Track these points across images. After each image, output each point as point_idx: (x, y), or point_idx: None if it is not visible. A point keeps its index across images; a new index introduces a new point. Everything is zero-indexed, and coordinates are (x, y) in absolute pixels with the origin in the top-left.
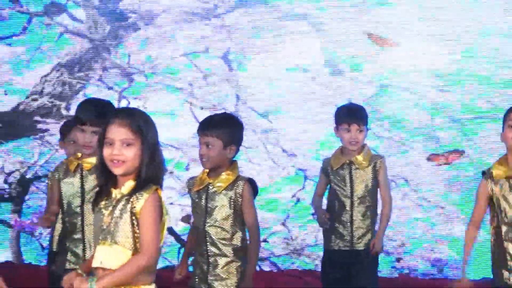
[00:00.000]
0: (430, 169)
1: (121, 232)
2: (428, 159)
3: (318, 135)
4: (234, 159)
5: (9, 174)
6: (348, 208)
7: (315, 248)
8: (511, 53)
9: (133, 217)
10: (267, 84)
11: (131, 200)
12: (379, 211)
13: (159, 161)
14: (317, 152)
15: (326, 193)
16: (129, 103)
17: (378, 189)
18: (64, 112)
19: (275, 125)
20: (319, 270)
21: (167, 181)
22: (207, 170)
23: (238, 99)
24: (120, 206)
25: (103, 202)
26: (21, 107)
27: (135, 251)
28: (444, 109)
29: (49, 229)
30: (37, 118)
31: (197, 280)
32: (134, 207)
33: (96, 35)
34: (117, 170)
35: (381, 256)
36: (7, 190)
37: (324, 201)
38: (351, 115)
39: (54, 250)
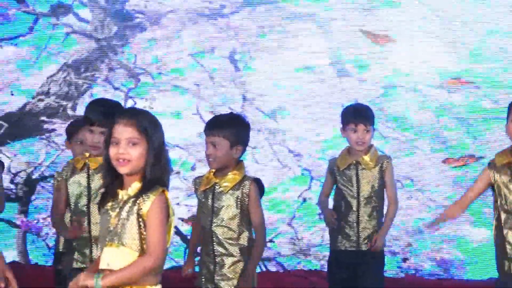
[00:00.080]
0: (436, 170)
1: (128, 234)
2: (444, 162)
3: (324, 135)
4: (240, 159)
5: (15, 174)
6: (354, 208)
7: (321, 248)
8: None
9: (140, 219)
10: (273, 84)
11: (138, 202)
12: (385, 211)
13: (164, 162)
14: (323, 152)
15: (333, 194)
16: (135, 103)
17: (385, 190)
18: (70, 112)
19: (281, 125)
20: (325, 270)
21: (173, 181)
22: (214, 170)
23: (244, 99)
24: (127, 207)
25: (109, 204)
26: (28, 107)
27: (142, 252)
28: (450, 109)
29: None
30: (44, 118)
31: (203, 280)
32: (141, 208)
33: (103, 35)
34: (122, 169)
35: (387, 257)
36: (14, 190)
37: (330, 202)
38: (357, 115)
39: (60, 250)
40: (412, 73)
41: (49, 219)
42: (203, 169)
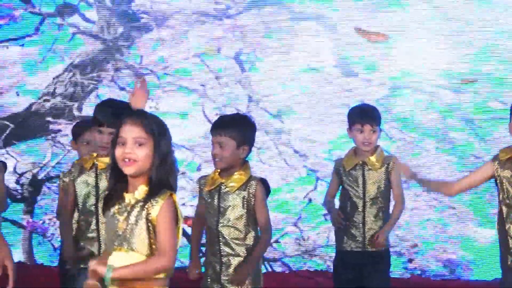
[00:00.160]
0: (442, 170)
1: (137, 238)
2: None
3: (330, 136)
4: (245, 159)
5: (21, 174)
6: (360, 209)
7: (327, 249)
8: None
9: (149, 224)
10: (279, 85)
11: (146, 206)
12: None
13: (170, 164)
14: (329, 152)
15: (338, 194)
16: None
17: (391, 191)
18: (76, 112)
19: (287, 125)
20: (331, 271)
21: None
22: (219, 170)
23: (250, 100)
24: (135, 212)
25: (116, 207)
26: (33, 107)
27: (151, 255)
28: (457, 110)
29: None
30: (49, 118)
31: (209, 280)
32: (150, 213)
33: (109, 35)
34: (128, 170)
35: (392, 257)
36: (19, 191)
37: (336, 202)
38: (364, 116)
39: None
40: (418, 73)
41: (55, 220)
42: (208, 170)
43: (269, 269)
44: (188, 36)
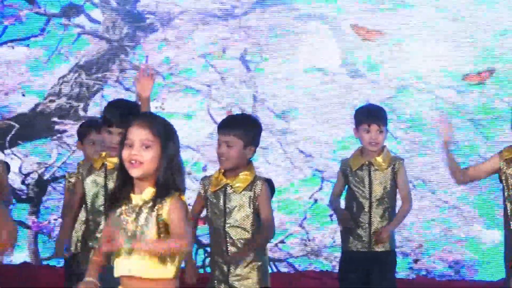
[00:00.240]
0: (447, 170)
1: (148, 239)
2: (463, 79)
3: (335, 136)
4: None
5: (26, 175)
6: (366, 209)
7: (332, 249)
8: None
9: (160, 225)
10: (284, 85)
11: (156, 208)
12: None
13: (178, 166)
14: (334, 153)
15: (344, 194)
16: None
17: (397, 191)
18: (81, 113)
19: (292, 126)
20: (337, 271)
21: None
22: (222, 170)
23: (255, 100)
24: (144, 213)
25: (123, 207)
26: (39, 108)
27: (162, 256)
28: (462, 110)
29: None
30: (55, 119)
31: (216, 281)
32: (160, 214)
33: (114, 36)
34: (134, 172)
35: (398, 257)
36: (25, 191)
37: (342, 202)
38: (371, 116)
39: (73, 251)
40: (424, 73)
41: (60, 220)
42: (214, 170)
43: (275, 270)
44: (193, 36)
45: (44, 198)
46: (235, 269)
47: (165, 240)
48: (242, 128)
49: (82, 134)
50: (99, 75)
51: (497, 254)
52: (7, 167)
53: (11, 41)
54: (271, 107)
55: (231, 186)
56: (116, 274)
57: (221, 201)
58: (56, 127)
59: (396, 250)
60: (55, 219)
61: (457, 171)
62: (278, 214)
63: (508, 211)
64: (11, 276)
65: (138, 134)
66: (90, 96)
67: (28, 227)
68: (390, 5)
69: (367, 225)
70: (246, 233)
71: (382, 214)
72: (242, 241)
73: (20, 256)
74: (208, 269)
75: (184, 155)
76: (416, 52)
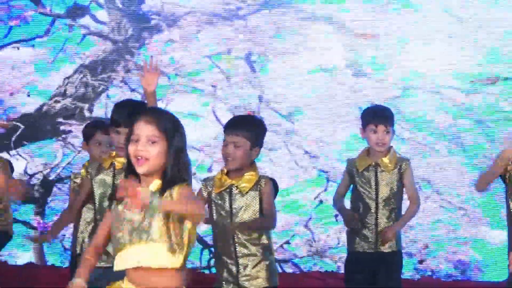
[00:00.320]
0: (454, 171)
1: (156, 228)
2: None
3: (341, 137)
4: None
5: (31, 175)
6: (373, 210)
7: (337, 250)
8: None
9: (167, 214)
10: (289, 86)
11: (163, 198)
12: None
13: (184, 161)
14: (340, 153)
15: (349, 194)
16: None
17: (404, 191)
18: (87, 113)
19: (297, 126)
20: (342, 272)
21: None
22: (225, 171)
23: (260, 101)
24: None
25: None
26: (44, 108)
27: (171, 244)
28: (468, 111)
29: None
30: (60, 119)
31: (224, 282)
32: None
33: (119, 37)
34: (140, 169)
35: (403, 258)
36: (30, 192)
37: (346, 202)
38: (378, 116)
39: (78, 252)
40: (430, 74)
41: None
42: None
43: (280, 270)
44: (198, 37)
45: (49, 198)
46: (244, 270)
47: (190, 201)
48: (249, 129)
49: (87, 135)
50: (105, 75)
51: (503, 254)
52: (10, 166)
53: (17, 42)
54: (276, 107)
55: (236, 186)
56: (121, 267)
57: (227, 202)
58: (62, 127)
59: (402, 250)
60: None
61: (488, 183)
62: (283, 215)
63: (511, 209)
64: (16, 277)
65: (145, 129)
66: (95, 96)
67: (33, 228)
68: (396, 5)
69: (373, 226)
70: (254, 232)
71: (388, 215)
72: (250, 241)
73: (25, 256)
74: (214, 270)
75: (189, 155)
76: (422, 53)
